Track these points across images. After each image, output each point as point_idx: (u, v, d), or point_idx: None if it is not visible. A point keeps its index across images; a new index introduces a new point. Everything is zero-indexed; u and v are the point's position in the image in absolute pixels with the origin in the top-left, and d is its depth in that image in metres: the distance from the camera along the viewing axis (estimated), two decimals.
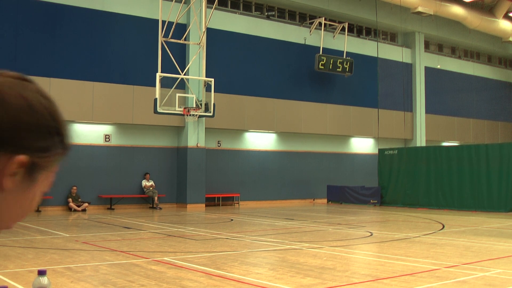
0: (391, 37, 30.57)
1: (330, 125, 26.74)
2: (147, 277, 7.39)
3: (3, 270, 7.84)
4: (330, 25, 26.75)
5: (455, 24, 29.91)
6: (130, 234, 12.85)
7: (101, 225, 14.82)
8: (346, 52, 26.92)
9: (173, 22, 19.16)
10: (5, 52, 18.86)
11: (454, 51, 33.61)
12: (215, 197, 23.32)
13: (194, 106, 19.19)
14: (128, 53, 21.18)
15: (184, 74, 19.82)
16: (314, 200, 26.40)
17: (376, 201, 23.52)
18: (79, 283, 7.02)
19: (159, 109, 18.17)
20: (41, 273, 4.44)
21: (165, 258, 9.02)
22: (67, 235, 12.37)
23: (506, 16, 30.49)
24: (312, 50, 25.89)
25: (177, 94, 18.79)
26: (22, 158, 0.95)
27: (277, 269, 8.13)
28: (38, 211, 19.06)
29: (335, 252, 9.87)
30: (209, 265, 8.32)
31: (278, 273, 7.75)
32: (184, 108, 18.93)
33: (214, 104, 19.22)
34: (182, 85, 20.56)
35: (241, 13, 24.36)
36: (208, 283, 7.02)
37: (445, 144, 30.84)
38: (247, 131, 24.59)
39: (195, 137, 22.19)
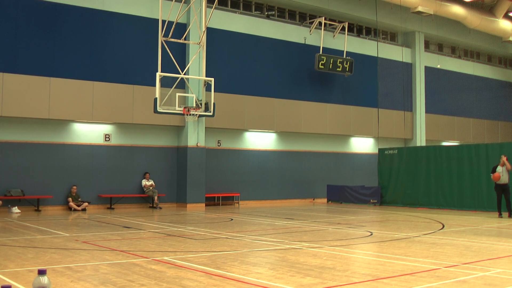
0: (391, 36, 30.57)
1: (330, 124, 26.74)
2: (147, 277, 7.39)
3: (3, 270, 7.84)
4: (330, 24, 26.75)
5: (455, 23, 29.91)
6: (130, 234, 12.85)
7: (101, 224, 14.83)
8: (346, 51, 26.93)
9: (173, 22, 19.15)
10: (5, 51, 18.86)
11: (454, 51, 33.62)
12: (215, 197, 23.33)
13: (194, 105, 19.17)
14: (128, 53, 21.18)
15: (184, 74, 19.81)
16: (314, 199, 26.40)
17: (376, 201, 23.53)
18: (79, 283, 7.02)
19: (159, 109, 18.16)
20: (41, 272, 4.45)
21: (165, 258, 9.03)
22: (67, 234, 12.37)
23: (506, 16, 30.49)
24: (312, 49, 25.89)
25: (177, 94, 18.77)
26: None
27: (277, 269, 8.13)
28: (38, 210, 19.07)
29: (335, 251, 9.87)
30: (209, 264, 8.32)
31: (278, 273, 7.75)
32: (184, 107, 18.91)
33: (214, 103, 19.20)
34: (182, 85, 20.56)
35: (241, 13, 24.36)
36: (208, 283, 7.02)
37: (445, 143, 30.85)
38: (247, 130, 24.59)
39: (195, 137, 22.19)
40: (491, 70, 35.30)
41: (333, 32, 27.04)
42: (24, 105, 18.94)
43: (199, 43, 19.98)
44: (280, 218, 17.13)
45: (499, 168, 17.44)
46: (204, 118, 21.83)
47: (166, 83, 19.14)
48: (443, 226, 14.59)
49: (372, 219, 17.57)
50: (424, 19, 29.58)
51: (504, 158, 17.54)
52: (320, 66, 25.57)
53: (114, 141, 21.28)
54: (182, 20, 21.11)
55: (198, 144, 22.22)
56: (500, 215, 17.47)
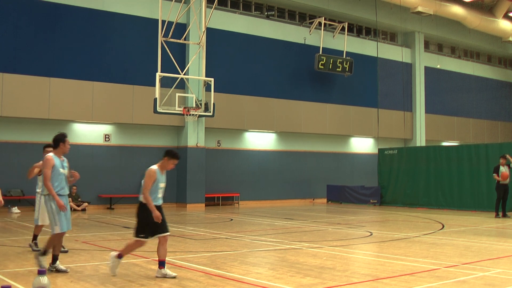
0: (391, 37, 30.57)
1: (330, 124, 26.74)
2: (147, 277, 7.39)
3: (3, 270, 7.84)
4: (330, 25, 26.75)
5: (455, 24, 29.91)
6: (130, 234, 12.82)
7: (101, 224, 14.82)
8: (346, 52, 26.92)
9: (173, 22, 19.15)
10: (5, 51, 18.86)
11: (454, 51, 33.62)
12: (215, 197, 23.32)
13: (194, 105, 19.18)
14: (128, 53, 21.18)
15: (184, 74, 19.81)
16: (314, 200, 26.40)
17: (376, 201, 23.52)
18: (79, 283, 7.03)
19: (159, 109, 18.16)
20: (41, 272, 4.45)
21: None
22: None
23: (505, 16, 30.49)
24: (312, 50, 25.89)
25: (177, 94, 18.78)
26: None
27: (276, 269, 8.13)
28: None
29: (335, 252, 9.87)
30: (208, 264, 8.32)
31: (277, 273, 7.75)
32: (184, 107, 18.92)
33: (214, 103, 19.21)
34: (182, 85, 20.56)
35: (240, 13, 24.36)
36: (208, 283, 7.02)
37: (445, 144, 30.85)
38: (247, 130, 24.59)
39: (195, 137, 22.19)
40: (491, 70, 35.30)
41: (333, 32, 27.04)
42: (24, 105, 18.94)
43: (199, 43, 19.98)
44: (280, 218, 17.13)
45: (502, 168, 17.41)
46: (204, 118, 21.82)
47: (166, 83, 19.14)
48: (443, 226, 14.59)
49: (372, 219, 17.57)
50: (424, 19, 29.58)
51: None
52: (320, 66, 25.56)
53: (114, 141, 21.28)
54: (182, 20, 21.10)
55: (198, 144, 22.22)
56: (498, 215, 17.46)
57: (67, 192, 7.85)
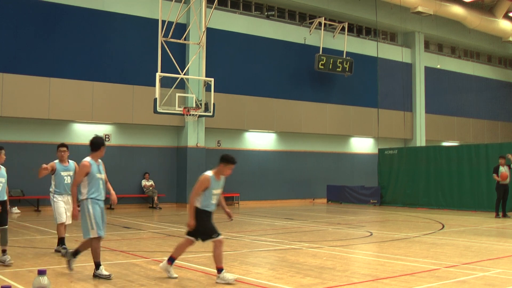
0: (391, 37, 30.57)
1: (330, 125, 26.73)
2: (147, 277, 7.40)
3: (3, 270, 7.84)
4: (330, 25, 26.74)
5: (455, 23, 29.91)
6: (130, 234, 12.85)
7: None
8: (346, 52, 26.91)
9: (173, 22, 19.15)
10: (5, 52, 18.85)
11: (454, 51, 33.62)
12: None
13: (194, 105, 19.18)
14: (128, 53, 21.18)
15: (184, 74, 19.81)
16: (314, 200, 26.39)
17: (376, 201, 23.52)
18: (78, 283, 7.03)
19: (159, 109, 18.16)
20: (41, 273, 4.45)
21: (165, 258, 9.00)
22: (67, 235, 12.29)
23: (506, 16, 30.50)
24: (312, 50, 25.88)
25: (177, 94, 18.78)
26: None
27: (276, 269, 8.13)
28: (38, 210, 19.06)
29: (335, 252, 9.87)
30: (208, 265, 8.31)
31: (277, 273, 7.75)
32: (184, 108, 18.92)
33: (214, 103, 19.20)
34: (182, 85, 20.55)
35: (241, 13, 24.36)
36: (208, 283, 7.02)
37: (445, 144, 30.85)
38: (247, 131, 24.58)
39: (195, 137, 22.18)
40: (491, 70, 35.30)
41: (333, 32, 27.03)
42: (24, 105, 18.93)
43: (199, 43, 19.98)
44: (280, 218, 17.13)
45: (501, 168, 17.41)
46: (204, 118, 21.82)
47: (166, 83, 19.14)
48: (443, 226, 14.59)
49: (372, 219, 17.57)
50: (424, 19, 29.57)
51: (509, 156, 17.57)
52: (320, 66, 25.56)
53: (114, 141, 21.27)
54: (182, 20, 21.09)
55: (198, 144, 22.22)
56: (498, 215, 17.45)
57: (104, 197, 7.60)
